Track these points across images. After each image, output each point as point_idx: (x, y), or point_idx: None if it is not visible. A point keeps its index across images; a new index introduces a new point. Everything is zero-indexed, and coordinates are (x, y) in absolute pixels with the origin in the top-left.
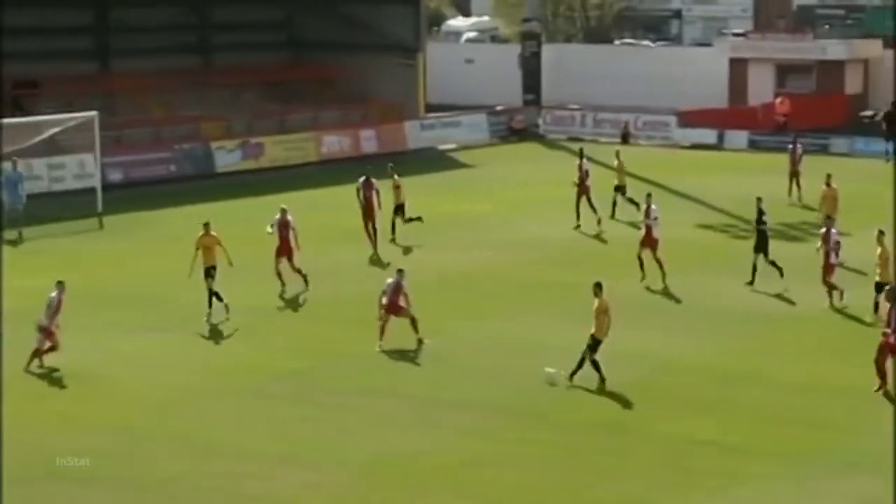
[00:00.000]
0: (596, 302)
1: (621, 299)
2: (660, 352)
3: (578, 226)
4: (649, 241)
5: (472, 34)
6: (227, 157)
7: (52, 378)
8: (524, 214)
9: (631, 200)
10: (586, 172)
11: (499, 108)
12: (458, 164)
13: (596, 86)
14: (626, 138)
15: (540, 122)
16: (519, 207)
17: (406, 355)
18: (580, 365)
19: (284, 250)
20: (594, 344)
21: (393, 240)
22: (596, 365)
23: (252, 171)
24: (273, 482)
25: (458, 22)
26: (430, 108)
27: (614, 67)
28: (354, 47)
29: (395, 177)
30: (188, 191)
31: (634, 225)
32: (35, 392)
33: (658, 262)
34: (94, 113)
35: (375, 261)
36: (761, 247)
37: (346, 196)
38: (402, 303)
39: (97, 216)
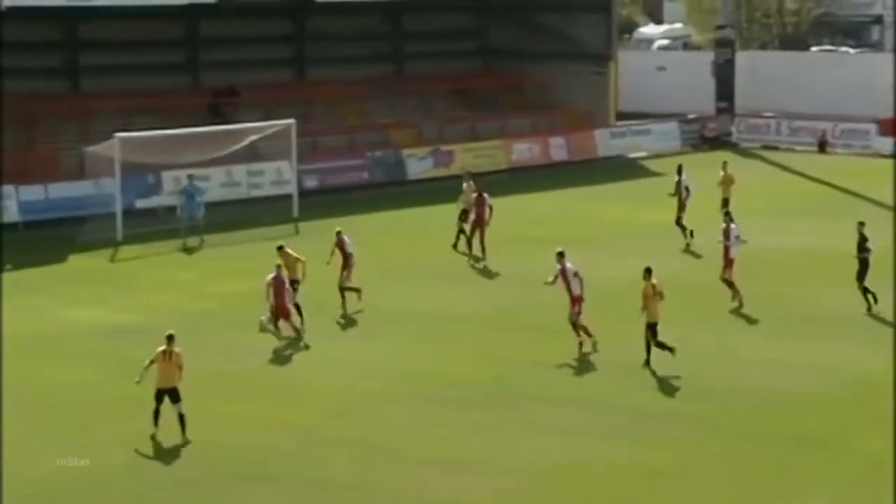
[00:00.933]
0: (643, 286)
1: (817, 311)
2: (850, 364)
3: (688, 244)
4: (726, 262)
5: (664, 42)
6: (418, 165)
7: (250, 380)
8: (715, 223)
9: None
10: (686, 189)
11: (691, 116)
12: (648, 173)
13: (791, 93)
14: (823, 147)
15: (733, 130)
16: (709, 217)
17: (588, 364)
18: (649, 352)
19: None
20: (652, 329)
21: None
22: (662, 345)
23: (442, 178)
24: (453, 487)
25: (649, 29)
26: (621, 115)
27: (811, 75)
28: (544, 55)
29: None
30: (380, 197)
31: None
32: (235, 394)
33: (726, 282)
34: (291, 121)
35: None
36: (861, 276)
37: (536, 205)
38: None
39: (293, 222)
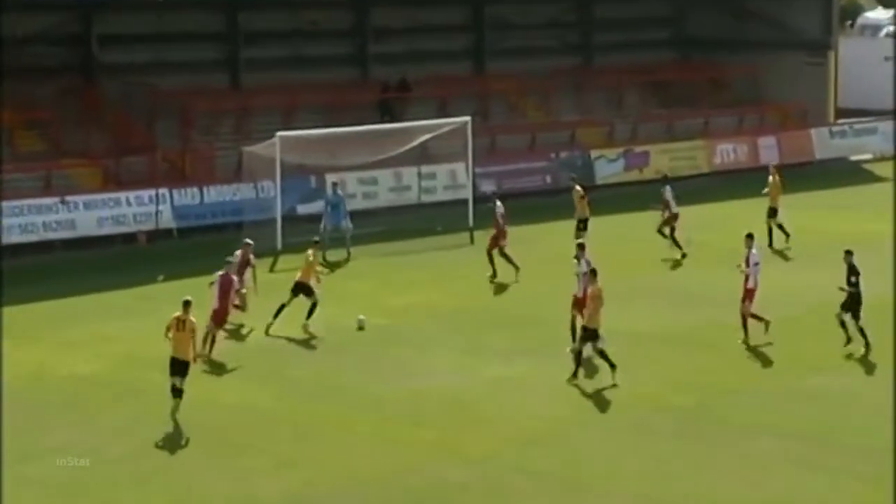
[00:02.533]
0: (591, 289)
1: None
2: None
3: (680, 258)
4: (746, 293)
5: (892, 28)
6: (608, 167)
7: (427, 403)
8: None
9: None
10: (665, 203)
11: None
12: (872, 178)
13: None
14: None
15: None
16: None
17: (792, 391)
18: (579, 364)
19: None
20: (586, 335)
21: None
22: (579, 357)
23: (635, 182)
24: None
25: (876, 14)
26: (841, 112)
27: None
28: (751, 44)
29: (577, 188)
30: (564, 204)
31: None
32: (411, 418)
33: (744, 317)
34: (466, 119)
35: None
36: (848, 306)
37: (742, 213)
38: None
39: (468, 230)
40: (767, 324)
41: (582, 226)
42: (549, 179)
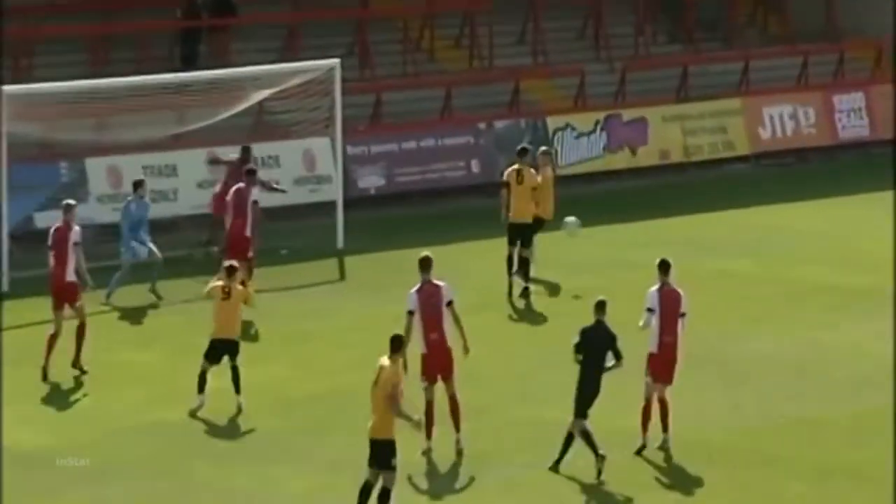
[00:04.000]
0: None
1: None
2: None
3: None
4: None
5: None
6: (577, 147)
7: None
8: None
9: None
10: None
11: None
12: None
13: None
14: None
15: None
16: None
17: None
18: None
19: None
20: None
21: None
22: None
23: (626, 173)
24: None
25: None
26: None
27: None
28: None
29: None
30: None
31: None
32: None
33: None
34: (333, 62)
35: None
36: None
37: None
38: None
39: (337, 256)
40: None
41: (529, 231)
42: (475, 167)
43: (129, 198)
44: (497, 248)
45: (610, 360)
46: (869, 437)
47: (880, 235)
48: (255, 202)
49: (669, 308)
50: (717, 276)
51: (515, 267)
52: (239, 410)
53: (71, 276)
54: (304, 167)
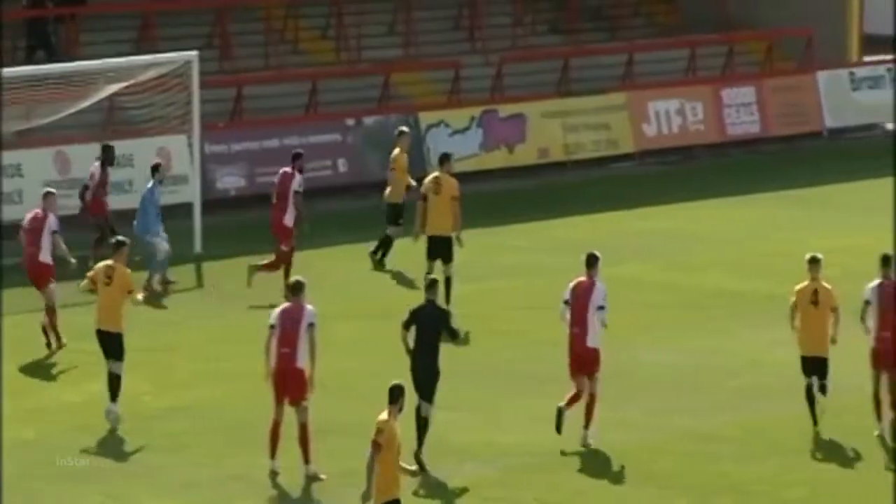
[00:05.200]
0: None
1: None
2: None
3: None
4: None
5: None
6: (451, 144)
7: None
8: None
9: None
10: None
11: None
12: None
13: None
14: None
15: None
16: None
17: None
18: None
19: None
20: None
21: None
22: None
23: (502, 172)
24: None
25: None
26: (871, 43)
27: None
28: None
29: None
30: (373, 212)
31: None
32: None
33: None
34: (190, 55)
35: None
36: None
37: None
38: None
39: (195, 262)
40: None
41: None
42: (342, 166)
43: (151, 183)
44: (362, 252)
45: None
46: (760, 452)
47: (775, 237)
48: (298, 192)
49: (579, 300)
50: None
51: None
52: (113, 427)
53: (45, 258)
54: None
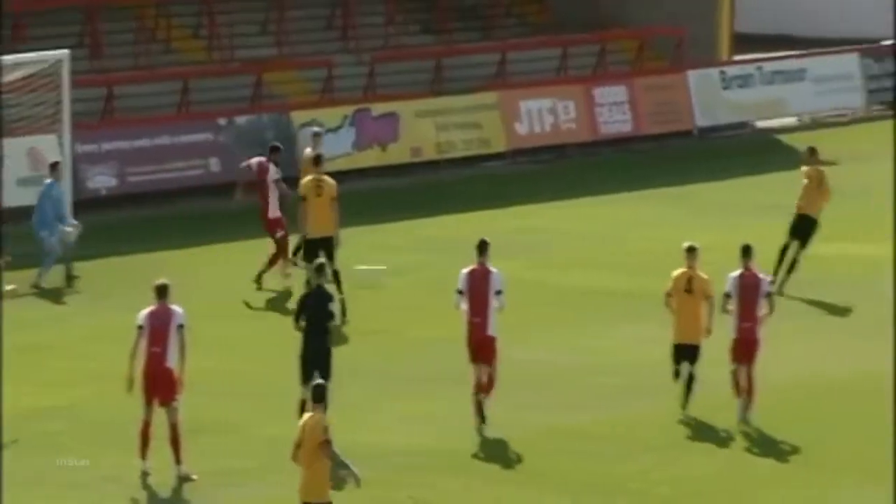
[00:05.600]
0: None
1: None
2: None
3: None
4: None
5: None
6: (326, 143)
7: None
8: None
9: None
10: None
11: (886, 42)
12: (796, 159)
13: None
14: None
15: None
16: None
17: None
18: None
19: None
20: None
21: None
22: None
23: (373, 171)
24: None
25: None
26: (742, 42)
27: None
28: None
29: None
30: (248, 212)
31: None
32: None
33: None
34: (61, 54)
35: None
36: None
37: (565, 223)
38: None
39: (63, 263)
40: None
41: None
42: (214, 165)
43: (48, 180)
44: (236, 252)
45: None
46: (630, 449)
47: (645, 235)
48: (279, 180)
49: (476, 288)
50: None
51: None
52: None
53: None
54: (29, 166)
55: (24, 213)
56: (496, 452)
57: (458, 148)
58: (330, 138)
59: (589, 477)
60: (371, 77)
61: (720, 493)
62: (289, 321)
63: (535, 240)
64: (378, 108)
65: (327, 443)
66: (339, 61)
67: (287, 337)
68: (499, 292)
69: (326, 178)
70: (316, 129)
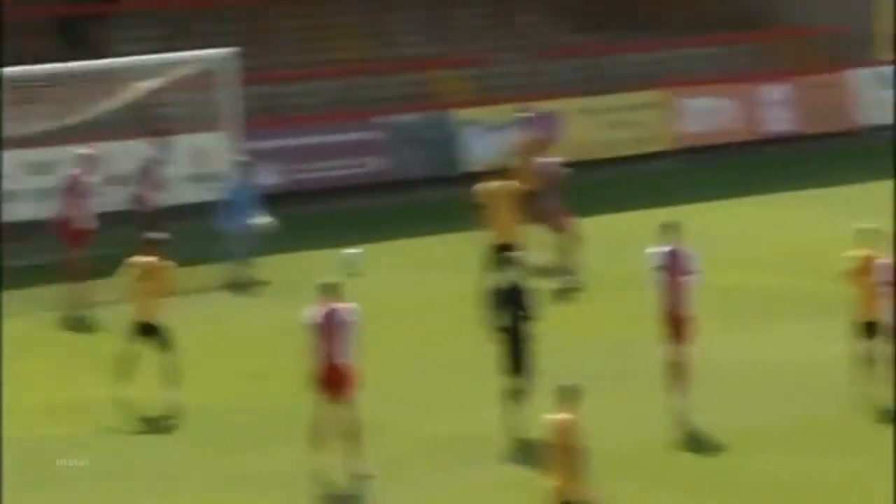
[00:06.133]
0: None
1: None
2: None
3: None
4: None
5: None
6: (484, 143)
7: None
8: None
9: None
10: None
11: None
12: None
13: None
14: None
15: None
16: None
17: None
18: None
19: None
20: None
21: None
22: None
23: None
24: None
25: None
26: None
27: None
28: None
29: None
30: (410, 211)
31: None
32: None
33: None
34: (227, 52)
35: None
36: None
37: (732, 226)
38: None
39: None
40: None
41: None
42: (378, 164)
43: (237, 177)
44: (393, 250)
45: None
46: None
47: (808, 235)
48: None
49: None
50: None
51: None
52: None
53: (87, 223)
54: (193, 164)
55: (191, 210)
56: (684, 457)
57: (620, 147)
58: (491, 138)
59: (793, 477)
60: (532, 75)
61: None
62: (456, 320)
63: (697, 240)
64: (539, 107)
65: (580, 448)
66: (501, 59)
67: (453, 335)
68: (693, 272)
69: (514, 184)
70: (527, 113)
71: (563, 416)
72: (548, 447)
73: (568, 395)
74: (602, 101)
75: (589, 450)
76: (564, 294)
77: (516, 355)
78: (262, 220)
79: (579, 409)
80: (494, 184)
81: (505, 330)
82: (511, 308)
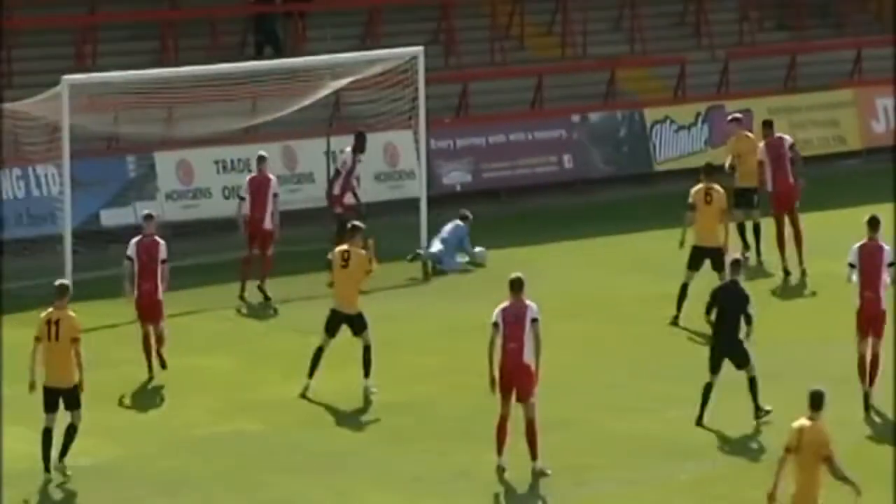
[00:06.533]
0: None
1: None
2: None
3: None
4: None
5: None
6: (676, 141)
7: None
8: None
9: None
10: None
11: None
12: None
13: None
14: None
15: None
16: None
17: None
18: None
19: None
20: None
21: None
22: None
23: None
24: None
25: None
26: None
27: None
28: None
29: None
30: (602, 208)
31: None
32: None
33: None
34: (416, 50)
35: None
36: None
37: None
38: None
39: (419, 258)
40: None
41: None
42: (568, 162)
43: (460, 223)
44: (586, 248)
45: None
46: None
47: None
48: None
49: (868, 262)
50: (825, 278)
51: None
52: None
53: (267, 224)
54: (386, 162)
55: (380, 207)
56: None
57: (814, 145)
58: (682, 136)
59: None
60: (724, 74)
61: None
62: (641, 319)
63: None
64: (731, 106)
65: (830, 457)
66: (692, 58)
67: (630, 336)
68: (891, 264)
69: (717, 188)
70: (737, 115)
71: (809, 422)
72: (790, 453)
73: (815, 401)
74: (796, 100)
75: (836, 456)
76: (781, 293)
77: (732, 355)
78: (475, 253)
79: (823, 415)
80: (703, 185)
81: (720, 331)
82: (730, 309)
